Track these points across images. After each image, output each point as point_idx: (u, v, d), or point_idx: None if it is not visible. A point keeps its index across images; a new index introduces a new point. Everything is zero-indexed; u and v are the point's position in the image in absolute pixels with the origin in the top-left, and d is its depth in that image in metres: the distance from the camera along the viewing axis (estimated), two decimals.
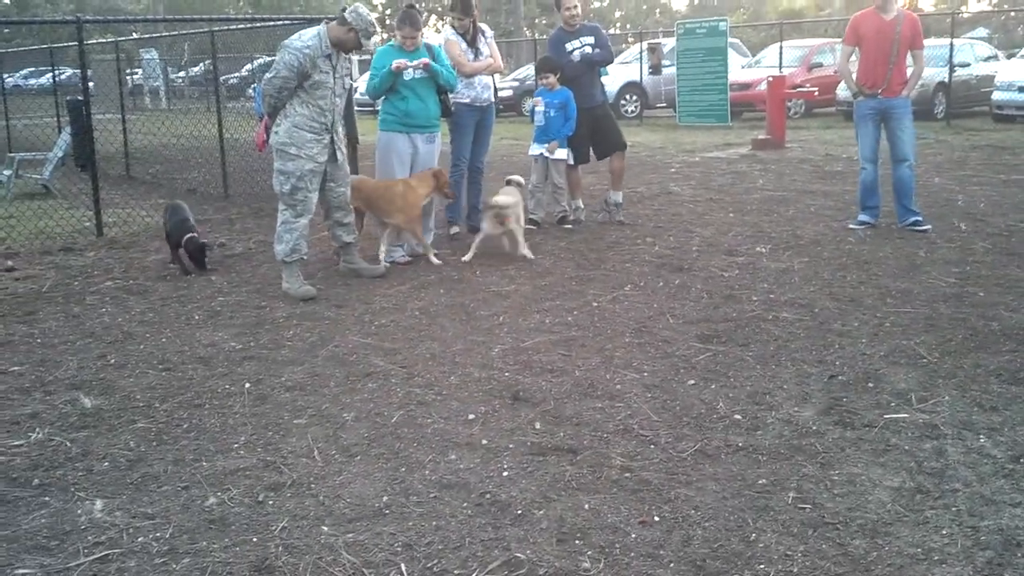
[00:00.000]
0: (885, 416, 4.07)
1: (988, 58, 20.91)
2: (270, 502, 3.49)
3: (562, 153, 8.23)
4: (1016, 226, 7.85)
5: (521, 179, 7.93)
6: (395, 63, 6.94)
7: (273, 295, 6.42)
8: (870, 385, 4.43)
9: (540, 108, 8.16)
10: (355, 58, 10.03)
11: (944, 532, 3.11)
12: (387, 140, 7.18)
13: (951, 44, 17.93)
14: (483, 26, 8.02)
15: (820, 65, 20.80)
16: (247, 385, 4.73)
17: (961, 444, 3.77)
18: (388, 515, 3.36)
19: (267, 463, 3.83)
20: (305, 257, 6.54)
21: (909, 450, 3.73)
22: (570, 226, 8.43)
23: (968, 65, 19.20)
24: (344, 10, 6.27)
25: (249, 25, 12.80)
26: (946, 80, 17.80)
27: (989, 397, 4.23)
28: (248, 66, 21.68)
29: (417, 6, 7.62)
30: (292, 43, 6.15)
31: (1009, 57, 21.60)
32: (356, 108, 10.89)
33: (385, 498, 3.48)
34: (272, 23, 11.49)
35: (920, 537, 3.08)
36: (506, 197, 7.26)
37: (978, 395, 4.26)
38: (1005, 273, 6.34)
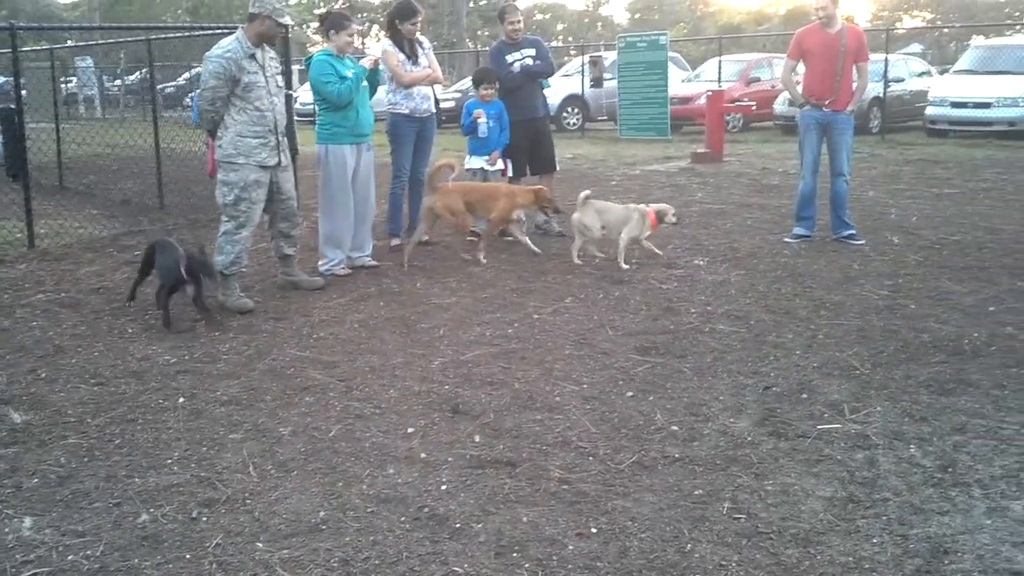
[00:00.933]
0: (818, 427, 4.14)
1: (922, 73, 21.41)
2: (204, 518, 3.44)
3: (501, 163, 8.27)
4: (947, 239, 8.04)
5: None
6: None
7: (209, 308, 6.32)
8: (804, 396, 4.51)
9: (483, 120, 8.16)
10: (296, 67, 9.98)
11: (875, 540, 3.17)
12: (337, 152, 7.05)
13: (886, 60, 18.35)
14: (421, 37, 8.00)
15: (758, 80, 21.14)
16: (181, 399, 4.66)
17: (892, 454, 3.85)
18: (324, 530, 3.33)
19: (201, 479, 3.78)
20: (245, 269, 6.47)
21: (841, 460, 3.80)
22: (510, 238, 8.44)
23: (902, 80, 19.67)
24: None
25: (187, 33, 12.63)
26: (881, 95, 18.20)
27: (919, 407, 4.33)
28: (186, 75, 21.42)
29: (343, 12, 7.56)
30: (213, 53, 6.11)
31: (942, 73, 22.15)
32: (296, 118, 10.79)
33: (322, 513, 3.45)
34: (211, 31, 11.34)
35: (851, 546, 3.14)
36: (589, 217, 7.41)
37: (908, 406, 4.35)
38: (936, 285, 6.49)
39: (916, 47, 40.64)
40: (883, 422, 4.17)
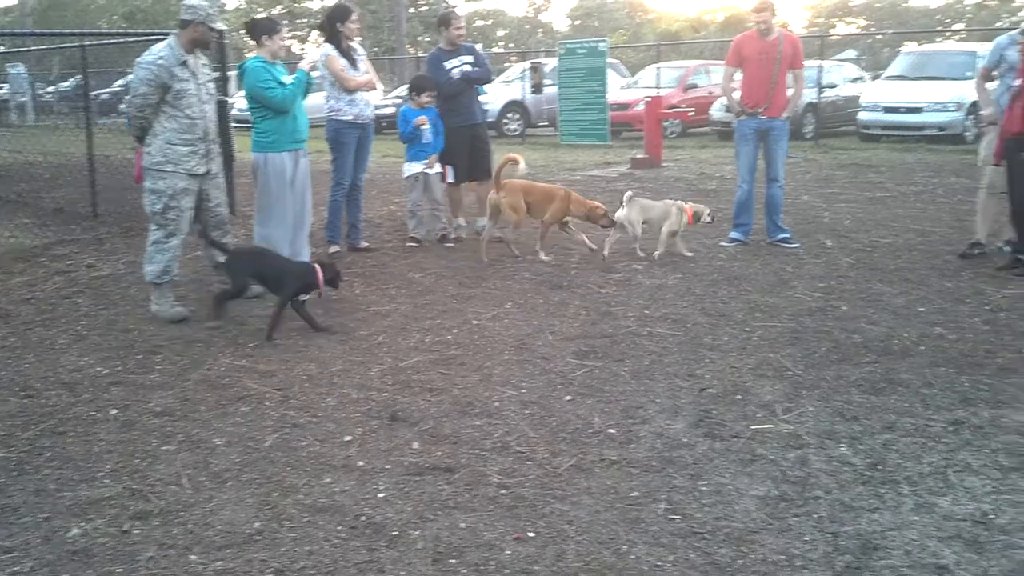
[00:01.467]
0: (752, 427, 4.20)
1: (855, 79, 21.83)
2: (136, 531, 3.39)
3: (439, 168, 8.28)
4: (879, 242, 8.21)
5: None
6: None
7: (142, 317, 6.24)
8: (738, 397, 4.57)
9: (427, 127, 8.18)
10: (232, 73, 9.87)
11: (806, 538, 3.22)
12: (276, 160, 6.96)
13: (820, 66, 18.69)
14: (355, 44, 7.96)
15: (695, 86, 21.38)
16: (114, 411, 4.58)
17: (823, 453, 3.92)
18: (259, 541, 3.30)
19: (133, 491, 3.72)
20: (176, 278, 6.38)
21: (774, 460, 3.86)
22: (451, 244, 8.44)
23: (836, 86, 20.03)
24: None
25: (122, 39, 12.42)
26: (815, 101, 18.52)
27: (850, 407, 4.41)
28: (120, 81, 21.04)
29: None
30: (144, 58, 6.02)
31: (874, 78, 22.61)
32: (233, 124, 10.68)
33: (256, 524, 3.42)
34: (146, 37, 11.18)
35: (783, 544, 3.19)
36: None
37: (840, 405, 4.44)
38: (867, 287, 6.62)
39: (850, 53, 41.47)
40: (815, 422, 4.25)
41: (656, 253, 7.66)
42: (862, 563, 3.06)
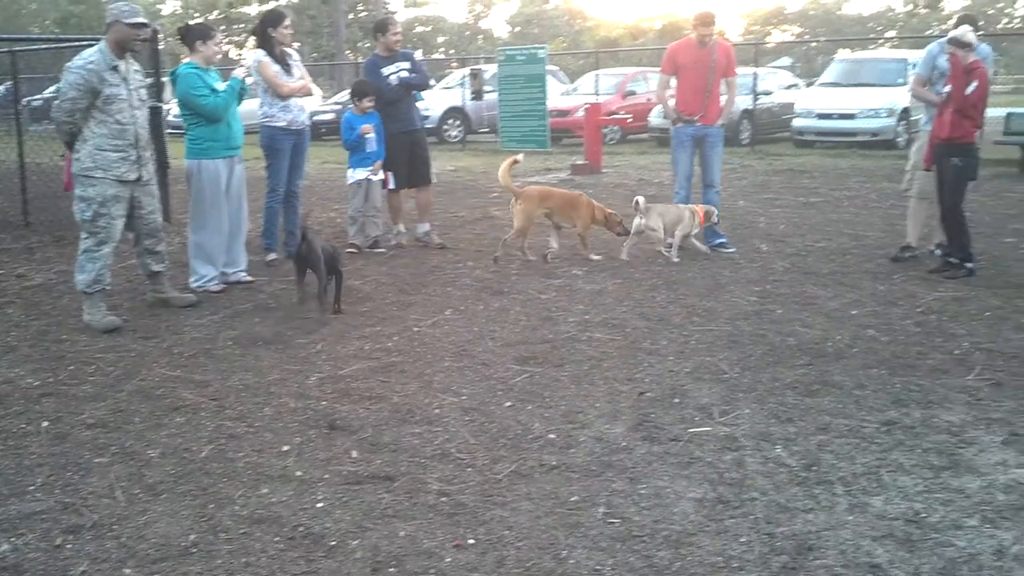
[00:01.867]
0: (690, 430, 4.24)
1: (790, 86, 22.19)
2: (68, 546, 3.32)
3: (382, 175, 8.27)
4: (813, 246, 8.35)
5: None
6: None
7: (74, 327, 6.11)
8: (676, 401, 4.61)
9: (371, 135, 8.16)
10: (165, 79, 9.72)
11: (743, 540, 3.26)
12: (210, 167, 6.87)
13: (755, 73, 18.98)
14: (290, 49, 7.90)
15: (634, 93, 21.57)
16: (45, 423, 4.48)
17: (759, 454, 3.97)
18: (195, 554, 3.25)
19: (66, 505, 3.64)
20: (108, 287, 6.26)
21: (711, 462, 3.90)
22: (383, 250, 8.41)
23: (771, 93, 20.34)
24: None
25: (55, 45, 12.16)
26: (751, 108, 18.79)
27: (785, 409, 4.48)
28: (52, 87, 20.63)
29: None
30: (74, 63, 5.92)
31: (808, 85, 23.01)
32: (168, 131, 10.52)
33: (192, 536, 3.37)
34: (79, 43, 10.96)
35: (721, 545, 3.22)
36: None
37: (775, 407, 4.50)
38: (802, 291, 6.73)
39: (785, 61, 42.15)
40: (751, 424, 4.30)
41: (672, 255, 7.85)
42: (798, 563, 3.10)
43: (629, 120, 18.49)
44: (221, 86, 6.87)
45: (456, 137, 22.21)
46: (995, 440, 4.07)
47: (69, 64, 5.97)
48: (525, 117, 19.37)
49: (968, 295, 6.49)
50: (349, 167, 8.38)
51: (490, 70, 21.89)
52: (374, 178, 8.27)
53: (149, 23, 6.16)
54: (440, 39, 76.21)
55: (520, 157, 8.38)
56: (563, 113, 20.22)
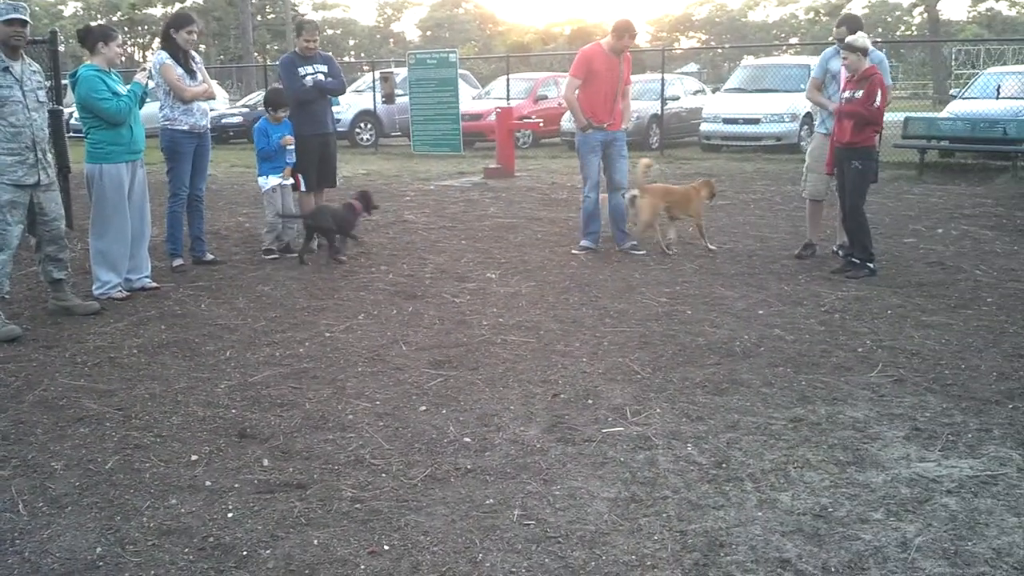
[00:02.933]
0: (603, 431, 4.28)
1: (696, 92, 22.62)
2: None
3: (292, 179, 8.21)
4: (720, 248, 8.51)
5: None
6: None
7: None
8: (590, 402, 4.65)
9: (292, 146, 8.09)
10: (67, 81, 9.44)
11: (656, 538, 3.30)
12: (112, 171, 6.69)
13: (663, 79, 19.30)
14: (193, 52, 7.76)
15: (545, 97, 21.71)
16: None
17: (671, 453, 4.03)
18: (101, 567, 3.15)
19: None
20: (7, 296, 6.05)
21: (624, 462, 3.94)
22: (276, 256, 8.30)
23: (679, 98, 20.71)
24: None
25: None
26: (659, 112, 19.08)
27: (695, 407, 4.55)
28: None
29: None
30: None
31: (715, 91, 23.45)
32: (69, 135, 10.22)
33: (99, 549, 3.27)
34: None
35: (634, 544, 3.25)
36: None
37: (686, 406, 4.57)
38: (710, 292, 6.85)
39: (692, 67, 42.98)
40: (662, 423, 4.36)
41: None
42: (709, 560, 3.15)
43: (541, 124, 18.61)
44: (123, 89, 6.70)
45: (368, 141, 22.07)
46: (898, 435, 4.20)
47: None
48: (437, 121, 19.38)
49: (870, 294, 6.69)
50: (260, 174, 8.26)
51: (401, 74, 21.82)
52: (284, 183, 8.18)
53: (27, 20, 5.93)
54: (351, 42, 75.63)
55: (650, 161, 8.95)
56: (475, 117, 20.27)
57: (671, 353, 5.41)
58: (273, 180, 8.18)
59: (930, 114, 16.67)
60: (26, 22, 5.91)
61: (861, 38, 7.04)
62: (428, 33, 75.19)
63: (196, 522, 3.47)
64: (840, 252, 7.72)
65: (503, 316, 6.28)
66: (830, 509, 3.50)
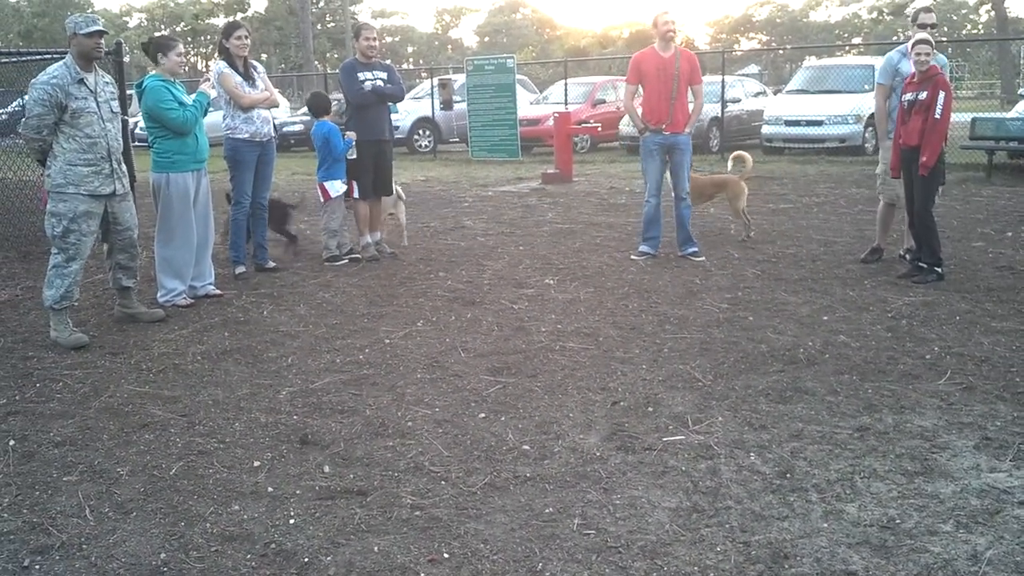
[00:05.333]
0: (664, 439, 4.23)
1: (758, 94, 22.38)
2: (37, 567, 3.26)
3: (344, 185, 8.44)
4: (783, 252, 8.39)
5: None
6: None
7: (41, 344, 6.03)
8: (650, 409, 4.61)
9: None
10: (132, 91, 9.63)
11: (718, 549, 3.25)
12: (178, 180, 6.82)
13: (723, 81, 19.11)
14: (255, 61, 7.90)
15: (604, 101, 21.65)
16: (12, 442, 4.40)
17: (733, 463, 3.96)
18: (166, 572, 3.19)
19: (33, 525, 3.57)
20: (76, 303, 6.18)
21: (686, 471, 3.89)
22: (345, 262, 8.37)
23: (739, 101, 20.49)
24: None
25: (19, 58, 12.02)
26: (719, 115, 18.91)
27: (758, 416, 4.48)
28: (18, 101, 20.42)
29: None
30: (39, 79, 5.86)
31: (776, 93, 23.17)
32: (134, 144, 10.42)
33: (163, 555, 3.31)
34: (44, 56, 10.85)
35: (696, 555, 3.21)
36: None
37: (748, 414, 4.50)
38: (773, 297, 6.75)
39: (753, 68, 42.55)
40: (724, 432, 4.30)
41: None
42: (773, 572, 3.09)
43: (599, 129, 18.55)
44: (188, 99, 6.82)
45: (426, 147, 22.20)
46: (968, 444, 4.09)
47: (34, 80, 5.91)
48: (495, 126, 19.43)
49: (938, 300, 6.54)
50: (327, 179, 8.31)
51: (459, 80, 21.92)
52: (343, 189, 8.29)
53: (106, 30, 6.08)
54: (409, 49, 76.21)
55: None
56: (533, 122, 20.28)
57: (733, 360, 5.34)
58: (339, 186, 8.27)
59: (998, 114, 16.27)
60: (105, 32, 6.06)
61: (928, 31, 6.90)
62: (486, 39, 75.46)
63: (258, 528, 3.50)
64: (907, 256, 7.56)
65: (562, 322, 6.25)
66: (898, 520, 3.41)
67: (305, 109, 26.03)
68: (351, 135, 8.22)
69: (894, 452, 4.03)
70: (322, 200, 8.38)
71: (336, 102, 8.95)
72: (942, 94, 6.80)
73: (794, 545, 3.25)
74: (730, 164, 9.44)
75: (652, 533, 3.37)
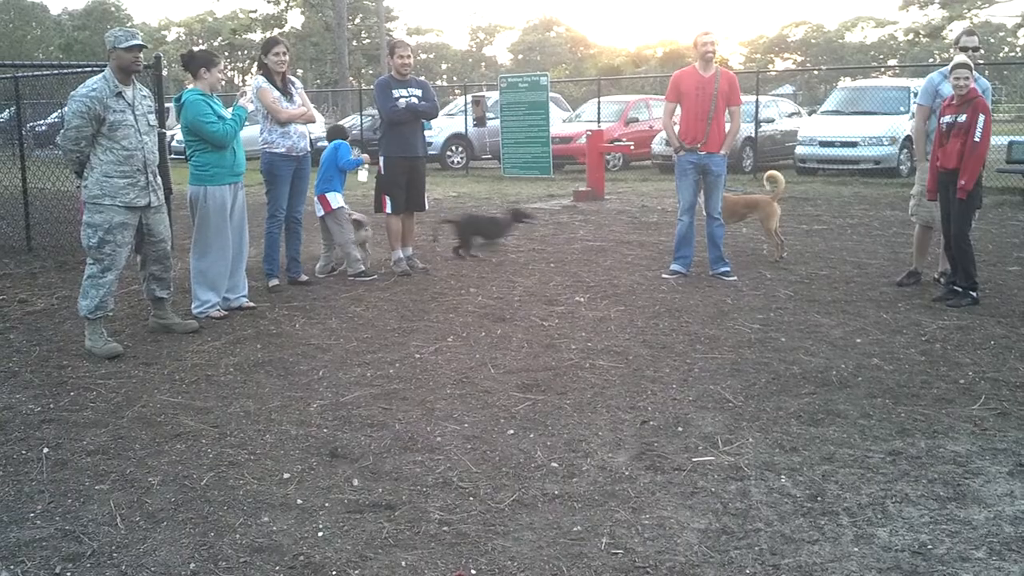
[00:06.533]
0: (693, 459, 4.21)
1: (792, 114, 22.28)
2: (68, 574, 3.29)
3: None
4: (816, 273, 8.34)
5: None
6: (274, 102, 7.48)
7: (76, 353, 6.10)
8: (679, 429, 4.59)
9: (366, 166, 8.49)
10: (171, 105, 9.76)
11: (747, 571, 3.22)
12: (216, 193, 6.90)
13: (757, 101, 19.05)
14: (292, 77, 7.99)
15: (636, 120, 21.64)
16: (45, 450, 4.46)
17: (763, 484, 3.94)
18: None
19: (65, 532, 3.61)
20: (111, 313, 6.26)
21: (715, 492, 3.87)
22: (374, 277, 8.42)
23: (773, 121, 20.42)
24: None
25: (59, 71, 12.23)
26: (753, 135, 18.84)
27: (789, 438, 4.45)
28: (57, 113, 20.75)
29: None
30: (78, 91, 5.96)
31: (811, 113, 23.06)
32: (170, 157, 10.56)
33: (192, 565, 3.34)
34: (83, 69, 11.03)
35: None
36: None
37: (779, 436, 4.47)
38: (805, 319, 6.71)
39: (787, 88, 42.39)
40: (755, 453, 4.27)
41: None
42: None
43: (631, 147, 18.55)
44: (227, 113, 6.91)
45: (459, 163, 22.29)
46: (1001, 471, 4.04)
47: (73, 93, 6.01)
48: (527, 144, 19.46)
49: (973, 324, 6.47)
50: (327, 192, 8.42)
51: (492, 97, 22.00)
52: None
53: (145, 44, 6.18)
54: (444, 66, 76.65)
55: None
56: (565, 140, 20.31)
57: (764, 381, 5.30)
58: (340, 199, 8.43)
59: None
60: (143, 46, 6.15)
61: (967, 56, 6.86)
62: (519, 56, 75.76)
63: (287, 540, 3.51)
64: (942, 280, 7.49)
65: (592, 340, 6.25)
66: (929, 546, 3.37)
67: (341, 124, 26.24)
68: (364, 156, 8.39)
69: (926, 477, 3.98)
70: (322, 211, 8.45)
71: (370, 118, 9.14)
72: (982, 117, 6.75)
73: (824, 569, 3.22)
74: (766, 185, 9.47)
75: (681, 554, 3.35)
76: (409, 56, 8.50)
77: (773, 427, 4.60)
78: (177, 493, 3.96)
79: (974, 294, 7.01)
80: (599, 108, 21.27)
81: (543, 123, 19.28)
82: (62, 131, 6.02)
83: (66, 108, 6.06)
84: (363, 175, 8.54)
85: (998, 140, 13.83)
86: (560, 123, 22.06)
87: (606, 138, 17.34)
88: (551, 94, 20.62)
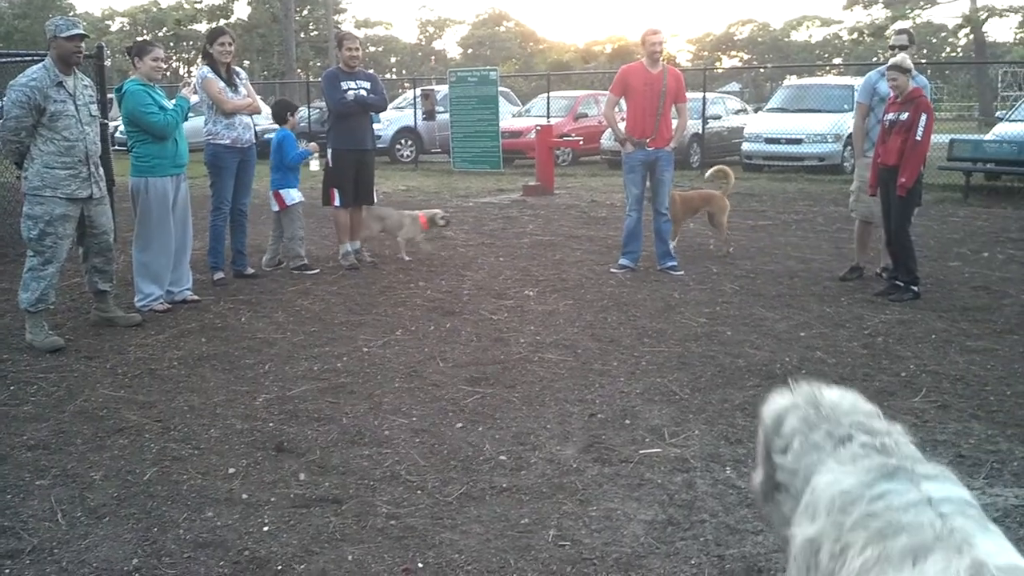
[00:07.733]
0: (640, 452, 4.24)
1: (738, 111, 22.51)
2: (7, 571, 3.23)
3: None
4: (761, 268, 8.43)
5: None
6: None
7: (17, 347, 5.97)
8: (627, 422, 4.62)
9: (317, 153, 8.36)
10: (112, 95, 9.60)
11: (693, 562, 3.25)
12: (158, 185, 6.79)
13: (704, 98, 19.21)
14: (238, 68, 7.90)
15: (586, 115, 21.70)
16: None
17: (709, 476, 3.98)
18: None
19: (4, 528, 3.54)
20: (52, 306, 6.14)
21: (662, 484, 3.90)
22: (317, 271, 8.37)
23: (720, 118, 20.62)
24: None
25: None
26: (700, 132, 19.00)
27: (735, 430, 4.50)
28: None
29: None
30: (17, 81, 5.85)
31: (757, 111, 23.31)
32: (113, 148, 10.37)
33: (135, 561, 3.29)
34: (22, 58, 10.77)
35: (671, 568, 3.21)
36: None
37: (725, 428, 4.52)
38: (751, 313, 6.79)
39: (734, 86, 42.84)
40: (701, 445, 4.31)
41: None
42: None
43: (580, 142, 18.60)
44: (169, 104, 6.80)
45: (408, 157, 22.18)
46: (941, 462, 4.10)
47: (12, 82, 5.89)
48: (477, 138, 19.44)
49: (914, 318, 6.59)
50: (281, 187, 8.37)
51: (442, 91, 21.93)
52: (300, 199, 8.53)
53: (87, 34, 6.08)
54: (392, 59, 76.22)
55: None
56: (515, 135, 20.31)
57: (710, 374, 5.36)
58: (297, 194, 8.33)
59: (976, 136, 16.44)
60: (85, 36, 6.05)
61: (907, 60, 6.97)
62: (469, 51, 75.55)
63: (232, 535, 3.48)
64: (884, 274, 7.62)
65: (540, 334, 6.26)
66: None
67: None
68: (312, 146, 8.31)
69: None
70: (276, 208, 8.38)
71: (318, 110, 9.06)
72: (924, 116, 6.87)
73: (768, 559, 3.27)
74: (708, 178, 9.57)
75: (627, 546, 3.37)
76: (358, 48, 8.44)
77: (719, 419, 4.64)
78: (120, 488, 3.90)
79: (915, 289, 7.14)
80: (548, 103, 21.30)
81: (493, 118, 19.27)
82: (1, 121, 5.89)
83: (5, 98, 5.93)
84: (314, 165, 8.49)
85: (939, 138, 14.11)
86: (510, 118, 22.05)
87: (555, 133, 17.37)
88: (501, 89, 20.61)
